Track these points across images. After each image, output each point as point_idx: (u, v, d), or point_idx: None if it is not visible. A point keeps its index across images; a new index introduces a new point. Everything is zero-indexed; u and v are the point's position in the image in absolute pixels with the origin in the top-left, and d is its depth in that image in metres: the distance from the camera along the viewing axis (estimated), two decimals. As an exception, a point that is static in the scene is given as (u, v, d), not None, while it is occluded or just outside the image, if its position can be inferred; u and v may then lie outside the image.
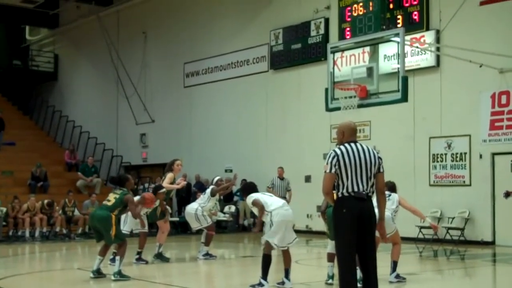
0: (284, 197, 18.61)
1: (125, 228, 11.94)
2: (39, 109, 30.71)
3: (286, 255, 9.66)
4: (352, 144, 6.80)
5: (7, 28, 31.86)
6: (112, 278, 10.21)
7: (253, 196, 9.67)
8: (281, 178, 18.72)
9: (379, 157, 6.88)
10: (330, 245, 10.27)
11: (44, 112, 30.30)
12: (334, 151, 6.70)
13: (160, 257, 12.71)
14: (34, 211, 18.39)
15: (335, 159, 6.62)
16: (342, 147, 6.75)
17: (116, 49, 26.87)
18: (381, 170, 6.87)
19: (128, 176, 11.22)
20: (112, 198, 10.58)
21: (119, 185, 10.83)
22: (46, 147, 27.27)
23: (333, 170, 6.59)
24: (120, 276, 10.23)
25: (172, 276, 11.54)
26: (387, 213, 9.62)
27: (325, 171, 6.62)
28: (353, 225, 6.51)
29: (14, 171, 22.18)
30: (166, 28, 25.65)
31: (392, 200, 10.86)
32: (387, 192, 11.12)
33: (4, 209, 18.06)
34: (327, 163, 6.64)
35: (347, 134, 6.90)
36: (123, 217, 11.74)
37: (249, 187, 10.01)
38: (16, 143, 25.82)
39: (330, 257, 10.23)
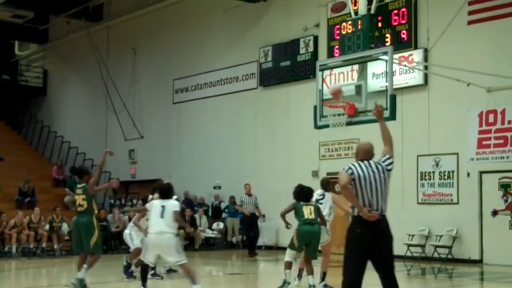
0: (253, 213, 18.65)
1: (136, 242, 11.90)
2: (28, 124, 30.57)
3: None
4: (366, 162, 7.03)
5: (-4, 43, 31.80)
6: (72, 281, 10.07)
7: None
8: (249, 195, 18.81)
9: (386, 166, 7.13)
10: (288, 254, 10.81)
11: (32, 127, 30.17)
12: (349, 165, 6.95)
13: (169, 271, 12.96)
14: (21, 227, 18.24)
15: (350, 171, 6.86)
16: (355, 163, 7.01)
17: (106, 64, 26.84)
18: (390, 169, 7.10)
19: (89, 170, 11.24)
20: (81, 201, 10.56)
21: (78, 176, 10.90)
22: (34, 162, 27.13)
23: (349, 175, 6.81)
24: (80, 285, 10.02)
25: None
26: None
27: (340, 173, 6.87)
28: (365, 246, 6.66)
29: (1, 186, 21.98)
30: (155, 44, 25.66)
31: (325, 204, 11.10)
32: (320, 191, 11.20)
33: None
34: (342, 172, 6.88)
35: (360, 154, 7.18)
36: (134, 233, 11.66)
37: None
38: (4, 158, 25.67)
39: (288, 265, 10.80)
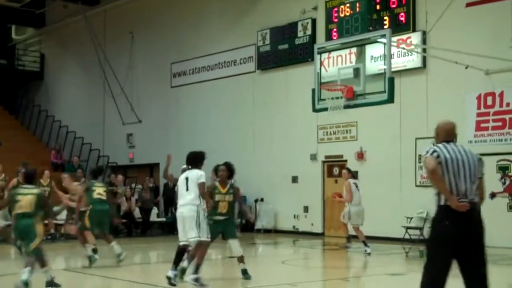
0: None
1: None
2: (25, 109, 30.52)
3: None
4: (451, 144, 6.17)
5: (-7, 27, 31.70)
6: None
7: None
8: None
9: (479, 159, 6.20)
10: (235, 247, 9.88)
11: (30, 112, 30.11)
12: (433, 148, 6.12)
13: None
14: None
15: (435, 153, 6.02)
16: (440, 145, 6.15)
17: (103, 49, 26.76)
18: (482, 174, 6.18)
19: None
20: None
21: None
22: (32, 147, 27.09)
23: (435, 158, 5.95)
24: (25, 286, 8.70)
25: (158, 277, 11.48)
26: None
27: (425, 157, 6.04)
28: (453, 242, 5.85)
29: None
30: (153, 28, 25.57)
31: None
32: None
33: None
34: (427, 155, 6.03)
35: (442, 135, 6.30)
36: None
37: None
38: (2, 143, 25.64)
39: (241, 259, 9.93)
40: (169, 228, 20.77)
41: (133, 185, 22.58)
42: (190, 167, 9.46)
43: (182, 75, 24.63)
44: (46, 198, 9.92)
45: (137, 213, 20.51)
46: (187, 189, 9.15)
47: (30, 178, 9.33)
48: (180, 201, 9.18)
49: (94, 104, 27.91)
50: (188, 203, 9.06)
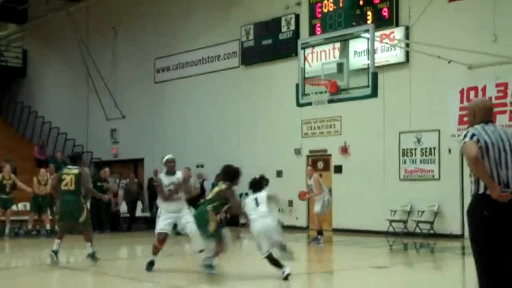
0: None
1: None
2: (7, 105, 30.35)
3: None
4: (490, 125, 5.48)
5: (-26, 23, 31.48)
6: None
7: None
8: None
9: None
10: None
11: (13, 108, 29.95)
12: (471, 131, 5.44)
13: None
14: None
15: (475, 137, 5.35)
16: (477, 127, 5.47)
17: (86, 44, 26.66)
18: None
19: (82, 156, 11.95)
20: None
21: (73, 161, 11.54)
22: (15, 143, 26.92)
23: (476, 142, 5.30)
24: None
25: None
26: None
27: (463, 142, 5.40)
28: (499, 230, 5.17)
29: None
30: (136, 23, 25.51)
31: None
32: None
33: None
34: (466, 140, 5.39)
35: (479, 114, 5.58)
36: None
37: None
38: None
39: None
40: (154, 223, 20.80)
41: (117, 180, 22.51)
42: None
43: (166, 71, 24.61)
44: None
45: (123, 208, 20.48)
46: (257, 205, 9.98)
47: (74, 160, 11.57)
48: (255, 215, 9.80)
49: (78, 100, 27.82)
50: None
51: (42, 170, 18.50)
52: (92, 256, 11.29)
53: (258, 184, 10.54)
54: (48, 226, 17.98)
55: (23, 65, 31.29)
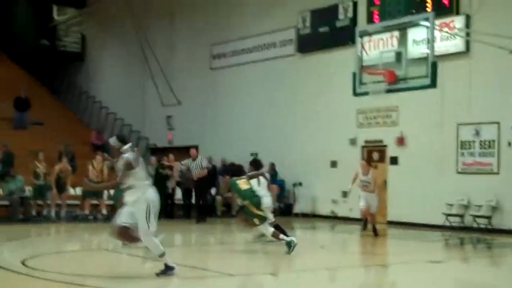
0: (201, 179, 18.40)
1: None
2: (66, 90, 30.94)
3: None
4: None
5: (35, 7, 32.08)
6: None
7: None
8: (194, 159, 18.49)
9: None
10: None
11: (71, 93, 30.53)
12: None
13: None
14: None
15: None
16: None
17: (143, 29, 26.88)
18: None
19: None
20: None
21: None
22: (73, 127, 27.40)
23: None
24: None
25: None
26: None
27: None
28: None
29: (42, 150, 22.12)
30: (193, 8, 25.60)
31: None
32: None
33: (31, 189, 18.23)
34: None
35: None
36: None
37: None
38: (44, 122, 26.07)
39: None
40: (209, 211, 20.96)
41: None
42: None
43: (221, 57, 24.66)
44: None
45: (178, 195, 20.61)
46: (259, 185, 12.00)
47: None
48: None
49: (134, 85, 28.13)
50: None
51: (98, 157, 18.78)
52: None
53: (259, 162, 12.65)
54: (104, 211, 18.27)
55: (81, 50, 31.78)
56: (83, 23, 32.04)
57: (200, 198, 18.75)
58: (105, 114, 28.42)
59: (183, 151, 24.86)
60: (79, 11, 31.76)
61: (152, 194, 8.44)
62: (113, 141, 8.69)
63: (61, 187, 18.27)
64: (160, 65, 26.24)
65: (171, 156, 20.64)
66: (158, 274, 8.45)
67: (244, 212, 11.81)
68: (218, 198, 21.12)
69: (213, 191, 21.27)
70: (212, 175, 21.87)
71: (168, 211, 19.66)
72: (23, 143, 21.95)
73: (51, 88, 30.93)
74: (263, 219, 11.52)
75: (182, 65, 26.02)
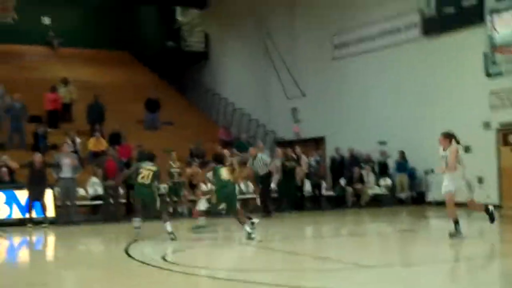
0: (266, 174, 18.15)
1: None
2: (192, 89, 31.75)
3: None
4: None
5: (159, 10, 33.17)
6: None
7: None
8: (254, 157, 18.20)
9: None
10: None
11: (197, 91, 31.30)
12: None
13: None
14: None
15: None
16: None
17: (264, 23, 27.10)
18: None
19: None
20: None
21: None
22: (202, 125, 28.06)
23: None
24: None
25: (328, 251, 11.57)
26: None
27: None
28: None
29: (173, 150, 22.80)
30: (313, -1, 25.54)
31: None
32: None
33: (166, 186, 18.83)
34: None
35: None
36: None
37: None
38: (173, 122, 26.90)
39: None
40: (339, 201, 20.93)
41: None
42: None
43: (344, 46, 24.43)
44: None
45: (307, 187, 20.67)
46: None
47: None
48: None
49: (258, 80, 28.43)
50: None
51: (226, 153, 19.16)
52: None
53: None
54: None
55: (205, 49, 32.46)
56: (206, 22, 32.71)
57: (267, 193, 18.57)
58: (231, 110, 28.92)
59: (310, 143, 24.96)
60: (201, 11, 32.47)
61: None
62: None
63: (193, 186, 18.81)
64: (282, 57, 26.38)
65: (298, 149, 20.72)
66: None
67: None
68: (349, 189, 21.00)
69: (342, 181, 21.19)
70: (340, 166, 21.82)
71: (297, 203, 19.78)
72: (155, 143, 22.71)
73: (178, 88, 31.87)
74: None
75: (305, 56, 26.00)
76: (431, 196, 20.44)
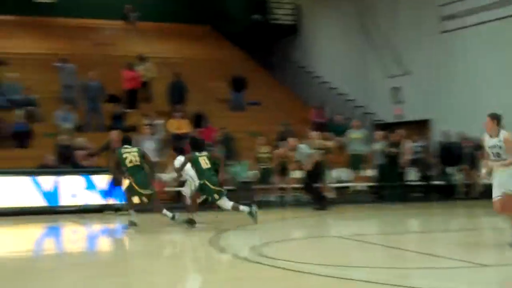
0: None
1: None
2: (281, 65, 31.69)
3: None
4: None
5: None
6: None
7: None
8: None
9: None
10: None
11: (286, 69, 31.23)
12: None
13: None
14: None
15: None
16: None
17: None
18: None
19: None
20: None
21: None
22: (291, 106, 28.00)
23: None
24: None
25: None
26: None
27: None
28: None
29: (260, 131, 22.85)
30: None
31: None
32: None
33: (257, 172, 18.94)
34: None
35: None
36: None
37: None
38: (260, 102, 26.97)
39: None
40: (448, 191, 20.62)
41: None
42: None
43: (453, 18, 23.85)
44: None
45: (413, 176, 20.44)
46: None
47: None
48: None
49: (355, 57, 28.13)
50: None
51: (313, 134, 19.23)
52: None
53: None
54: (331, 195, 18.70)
55: (295, 22, 32.30)
56: (296, -7, 32.51)
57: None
58: (325, 89, 28.75)
59: (414, 126, 24.51)
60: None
61: None
62: None
63: (283, 171, 18.85)
64: (382, 32, 26.02)
65: (402, 132, 20.42)
66: None
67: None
68: (460, 178, 20.61)
69: (451, 170, 20.81)
70: (449, 152, 21.38)
71: (399, 193, 19.56)
72: (241, 125, 22.90)
73: (265, 65, 31.85)
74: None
75: (408, 31, 25.54)
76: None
